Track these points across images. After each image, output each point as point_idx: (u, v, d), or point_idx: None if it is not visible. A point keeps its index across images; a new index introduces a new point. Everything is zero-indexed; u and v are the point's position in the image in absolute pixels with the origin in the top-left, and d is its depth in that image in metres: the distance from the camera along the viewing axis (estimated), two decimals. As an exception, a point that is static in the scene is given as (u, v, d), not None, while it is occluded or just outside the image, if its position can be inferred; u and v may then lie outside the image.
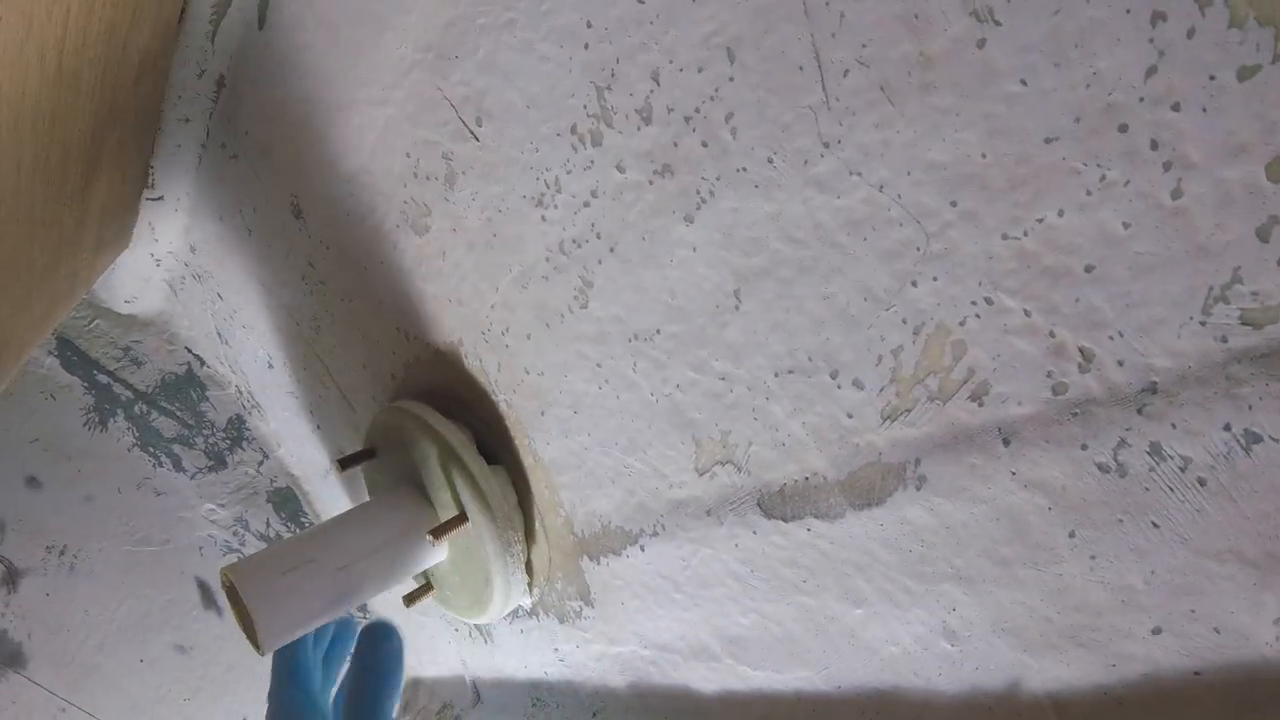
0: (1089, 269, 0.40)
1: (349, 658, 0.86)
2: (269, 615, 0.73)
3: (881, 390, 0.50)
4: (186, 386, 1.40)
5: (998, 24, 0.38)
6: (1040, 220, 0.40)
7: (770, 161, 0.49)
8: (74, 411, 1.36)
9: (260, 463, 1.44)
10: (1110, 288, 0.39)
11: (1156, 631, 0.44)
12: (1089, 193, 0.38)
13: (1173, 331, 0.38)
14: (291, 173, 0.88)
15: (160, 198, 1.10)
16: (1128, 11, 0.34)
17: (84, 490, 1.36)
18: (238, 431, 1.42)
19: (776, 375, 0.55)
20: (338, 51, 0.73)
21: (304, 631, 0.77)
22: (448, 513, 0.82)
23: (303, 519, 1.46)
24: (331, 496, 1.34)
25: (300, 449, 1.34)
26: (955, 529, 0.50)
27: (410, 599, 0.90)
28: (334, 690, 0.88)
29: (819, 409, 0.53)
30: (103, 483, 1.38)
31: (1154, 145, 0.36)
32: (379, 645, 0.80)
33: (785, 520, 0.59)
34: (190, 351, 1.39)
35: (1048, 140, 0.39)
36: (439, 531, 0.78)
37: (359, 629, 0.83)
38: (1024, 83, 0.38)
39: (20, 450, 1.33)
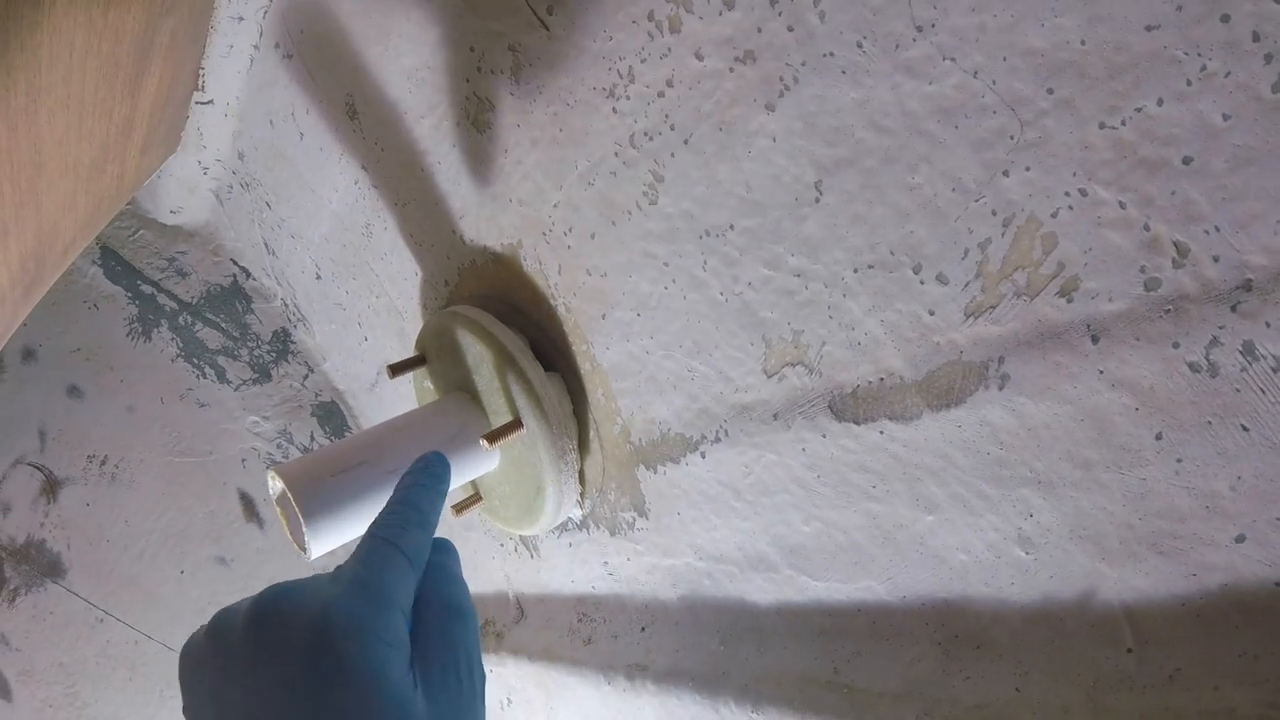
0: (1187, 161, 0.39)
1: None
2: (318, 517, 0.72)
3: (966, 286, 0.49)
4: (232, 298, 1.40)
5: (1098, -93, 0.37)
6: (1139, 109, 0.39)
7: (859, 46, 0.47)
8: (117, 321, 1.36)
9: (305, 376, 1.43)
10: (1208, 181, 0.38)
11: (1240, 540, 0.43)
12: (1189, 83, 0.37)
13: (1270, 227, 0.37)
14: (348, 71, 0.86)
15: (210, 101, 1.09)
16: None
17: (126, 400, 1.37)
18: (283, 345, 1.42)
19: (855, 270, 0.53)
20: (402, -60, 0.71)
21: (352, 536, 0.76)
22: (501, 419, 0.81)
23: (347, 433, 1.45)
24: (377, 411, 1.34)
25: (346, 363, 1.34)
26: (1037, 430, 0.49)
27: (459, 508, 0.90)
28: None
29: (899, 305, 0.52)
30: (145, 393, 1.38)
31: (1255, 37, 0.35)
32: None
33: (857, 423, 0.58)
34: (236, 264, 1.39)
35: (1149, 28, 0.37)
36: (494, 436, 0.77)
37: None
38: (1125, -33, 0.37)
39: (62, 359, 1.33)
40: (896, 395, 0.55)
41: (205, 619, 1.38)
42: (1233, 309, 0.40)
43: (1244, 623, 0.45)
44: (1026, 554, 0.53)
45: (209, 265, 1.39)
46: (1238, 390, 0.41)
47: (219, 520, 1.41)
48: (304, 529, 0.71)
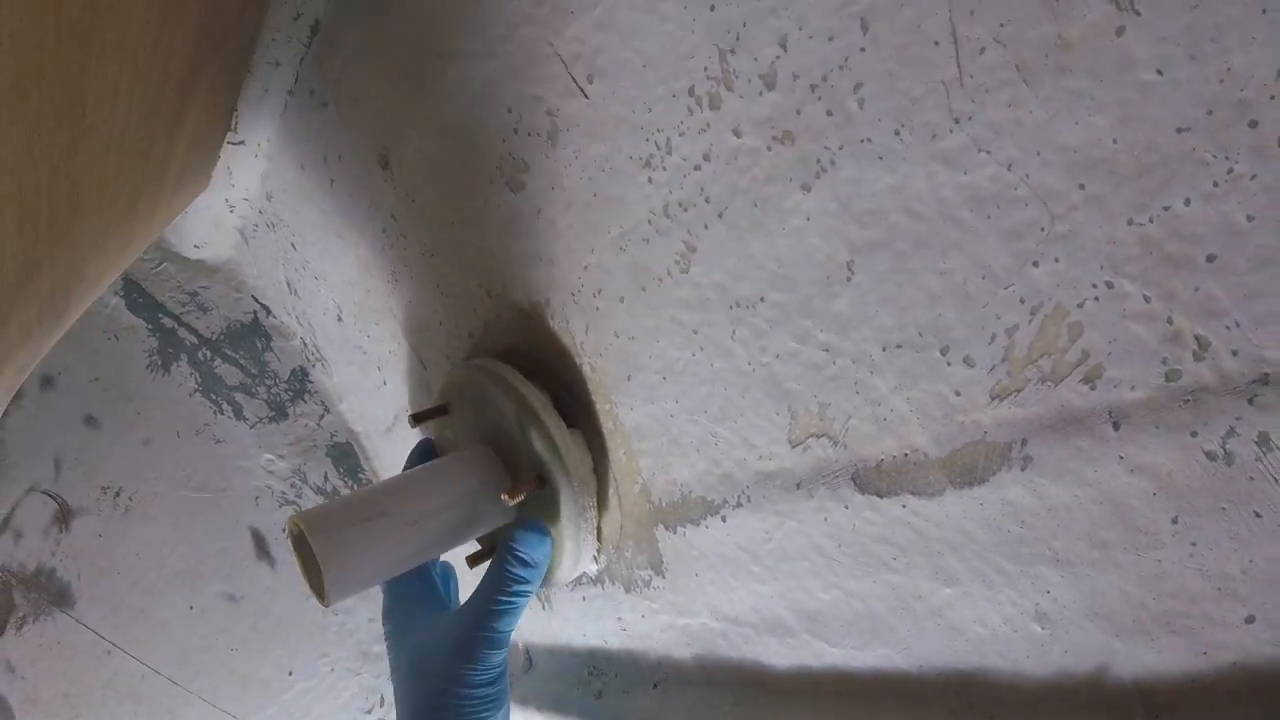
0: (1210, 259, 0.40)
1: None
2: (338, 566, 0.72)
3: (992, 369, 0.50)
4: (251, 335, 1.41)
5: (1137, 13, 0.38)
6: (1166, 208, 0.40)
7: (897, 134, 0.48)
8: (137, 353, 1.36)
9: (321, 416, 1.44)
10: (1229, 278, 0.39)
11: (1250, 620, 0.44)
12: (1216, 184, 0.38)
13: (1287, 325, 0.39)
14: (383, 122, 0.88)
15: (241, 142, 1.10)
16: (1264, 11, 0.35)
17: (142, 433, 1.37)
18: (300, 384, 1.43)
19: (884, 349, 0.54)
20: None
21: (371, 584, 0.76)
22: (522, 473, 0.81)
23: (361, 475, 1.46)
24: (391, 454, 1.34)
25: (363, 405, 1.35)
26: (1057, 511, 0.50)
27: (474, 560, 0.90)
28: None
29: (925, 385, 0.53)
30: (162, 426, 1.38)
31: (1282, 143, 0.36)
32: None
33: (880, 496, 0.59)
34: (257, 301, 1.39)
35: (1179, 130, 0.39)
36: (515, 491, 0.77)
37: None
38: (1159, 72, 0.38)
39: (80, 389, 1.34)
40: (920, 471, 0.56)
41: (213, 655, 1.37)
42: (1249, 401, 0.41)
43: (1253, 700, 0.45)
44: (1042, 629, 0.54)
45: (230, 301, 1.40)
46: (1251, 479, 0.42)
47: (230, 557, 1.41)
48: (324, 578, 0.71)
